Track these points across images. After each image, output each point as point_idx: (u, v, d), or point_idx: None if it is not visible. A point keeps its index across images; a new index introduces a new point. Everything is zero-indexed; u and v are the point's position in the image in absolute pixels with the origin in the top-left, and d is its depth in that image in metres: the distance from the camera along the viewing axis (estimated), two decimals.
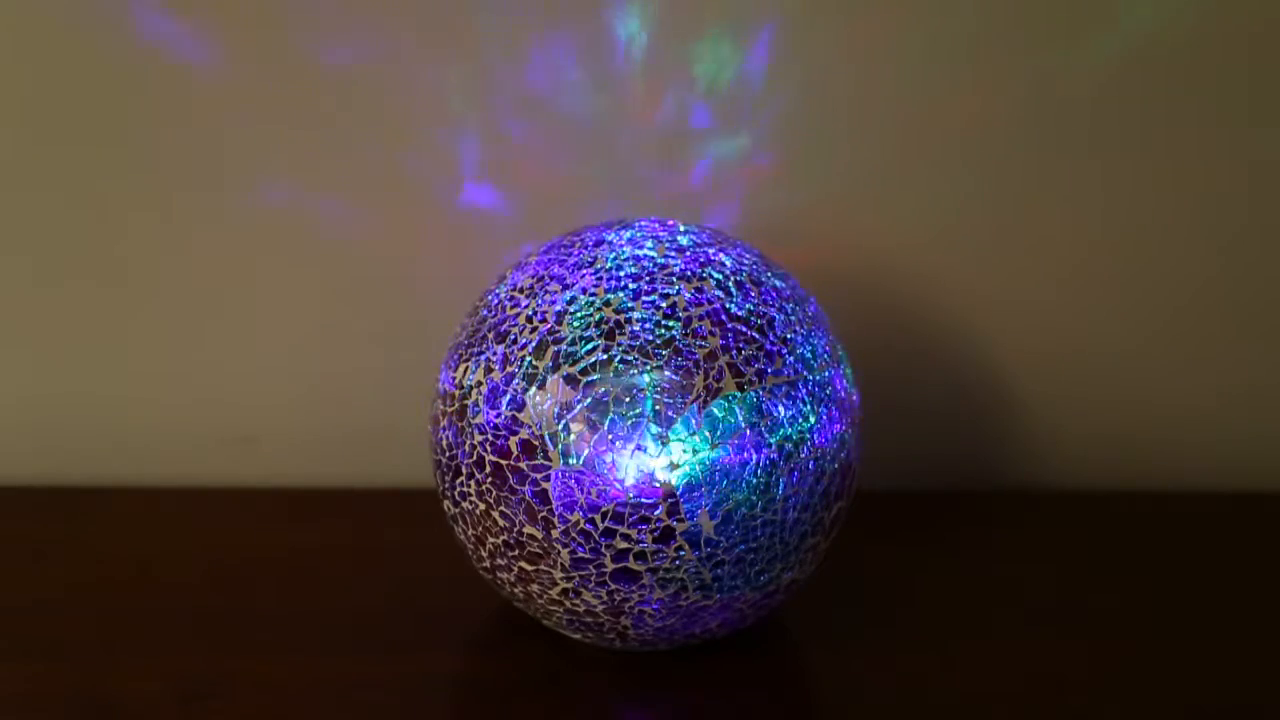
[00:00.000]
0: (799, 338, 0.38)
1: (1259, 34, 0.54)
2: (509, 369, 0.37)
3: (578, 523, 0.36)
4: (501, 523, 0.37)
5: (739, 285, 0.38)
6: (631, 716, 0.40)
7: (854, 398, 0.41)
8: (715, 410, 0.35)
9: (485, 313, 0.39)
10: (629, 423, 0.35)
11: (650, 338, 0.36)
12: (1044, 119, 0.55)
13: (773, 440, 0.36)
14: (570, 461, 0.35)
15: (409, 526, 0.53)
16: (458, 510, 0.39)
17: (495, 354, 0.37)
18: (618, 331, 0.36)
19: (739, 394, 0.36)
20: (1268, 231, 0.57)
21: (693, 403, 0.35)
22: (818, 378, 0.38)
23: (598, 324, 0.36)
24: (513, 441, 0.36)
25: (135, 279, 0.57)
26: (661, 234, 0.40)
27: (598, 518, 0.35)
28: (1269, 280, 0.58)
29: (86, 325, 0.58)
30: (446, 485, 0.40)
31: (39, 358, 0.59)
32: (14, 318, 0.58)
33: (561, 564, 0.37)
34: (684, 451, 0.35)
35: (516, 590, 0.39)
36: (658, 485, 0.35)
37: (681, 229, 0.41)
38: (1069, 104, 0.55)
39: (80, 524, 0.55)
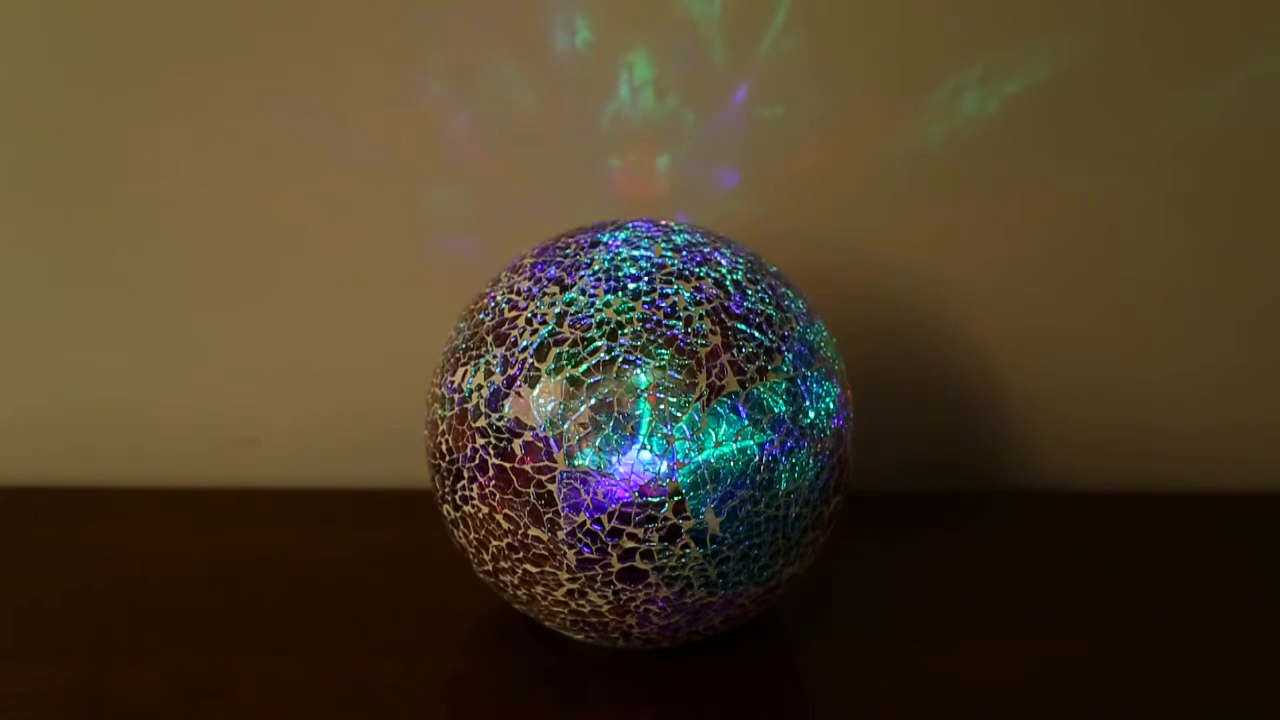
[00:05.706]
0: (796, 334, 0.38)
1: (1252, 33, 0.54)
2: (510, 371, 0.37)
3: (584, 523, 0.36)
4: (506, 525, 0.37)
5: (736, 283, 0.38)
6: (633, 716, 0.40)
7: (849, 392, 0.41)
8: (718, 408, 0.35)
9: (483, 315, 0.39)
10: (632, 422, 0.35)
11: (652, 337, 0.36)
12: (1042, 119, 0.55)
13: (775, 435, 0.36)
14: (575, 463, 0.35)
15: (409, 527, 0.53)
16: (458, 514, 0.39)
17: (495, 356, 0.37)
18: (619, 331, 0.36)
19: (741, 391, 0.36)
20: (1267, 234, 0.58)
21: (695, 401, 0.35)
22: (815, 373, 0.38)
23: (599, 324, 0.36)
24: (516, 444, 0.36)
25: (136, 281, 0.57)
26: (656, 234, 0.40)
27: (604, 518, 0.35)
28: (1268, 282, 0.58)
29: (87, 327, 0.58)
30: (446, 490, 0.40)
31: (39, 359, 0.59)
32: (14, 319, 0.58)
33: (568, 565, 0.37)
34: (688, 449, 0.35)
35: (520, 593, 0.39)
36: (663, 484, 0.35)
37: (676, 229, 0.41)
38: (1067, 105, 0.55)
39: (80, 524, 0.55)
